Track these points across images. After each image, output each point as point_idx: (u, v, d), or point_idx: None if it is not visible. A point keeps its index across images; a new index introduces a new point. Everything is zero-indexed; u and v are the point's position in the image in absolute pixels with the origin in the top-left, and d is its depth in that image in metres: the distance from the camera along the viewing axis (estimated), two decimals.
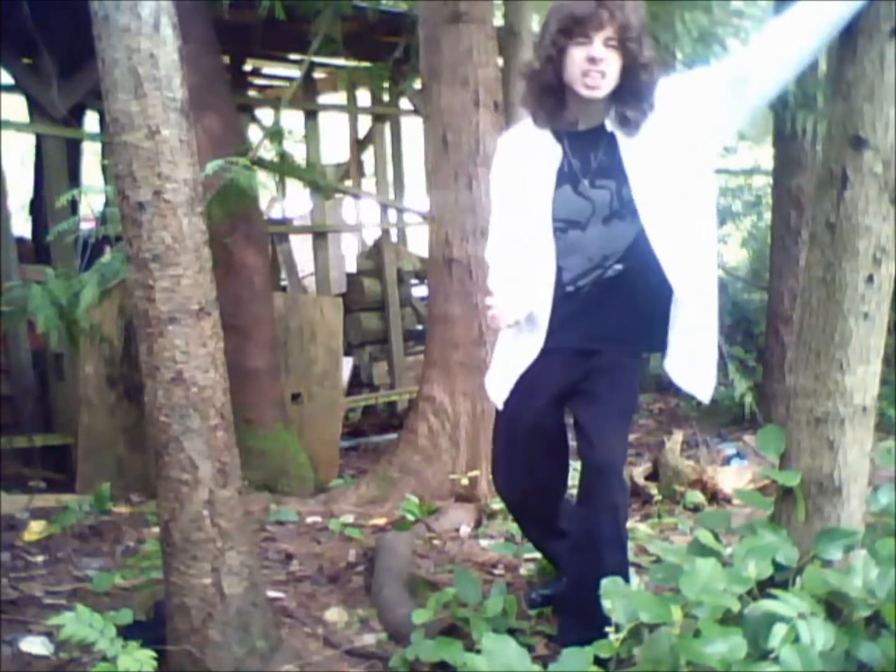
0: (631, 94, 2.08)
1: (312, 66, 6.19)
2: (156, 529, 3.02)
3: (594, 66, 2.04)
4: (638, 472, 4.27)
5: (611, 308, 2.22)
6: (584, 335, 2.24)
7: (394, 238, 7.19)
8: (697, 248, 2.17)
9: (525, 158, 2.23)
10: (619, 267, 2.20)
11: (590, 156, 2.16)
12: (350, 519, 3.64)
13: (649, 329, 2.27)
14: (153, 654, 2.05)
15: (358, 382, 6.96)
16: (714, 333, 2.25)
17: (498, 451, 2.48)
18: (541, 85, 2.13)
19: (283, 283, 7.20)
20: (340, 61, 6.40)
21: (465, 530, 3.57)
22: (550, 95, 2.13)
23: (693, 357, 2.25)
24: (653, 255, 2.13)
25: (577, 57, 2.05)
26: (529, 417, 2.31)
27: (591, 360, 2.25)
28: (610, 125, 2.14)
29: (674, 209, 2.13)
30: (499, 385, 2.37)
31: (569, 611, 2.36)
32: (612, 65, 2.05)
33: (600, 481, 2.22)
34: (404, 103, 7.09)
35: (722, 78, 2.09)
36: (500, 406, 2.37)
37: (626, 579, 2.16)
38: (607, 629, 1.92)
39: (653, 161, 2.11)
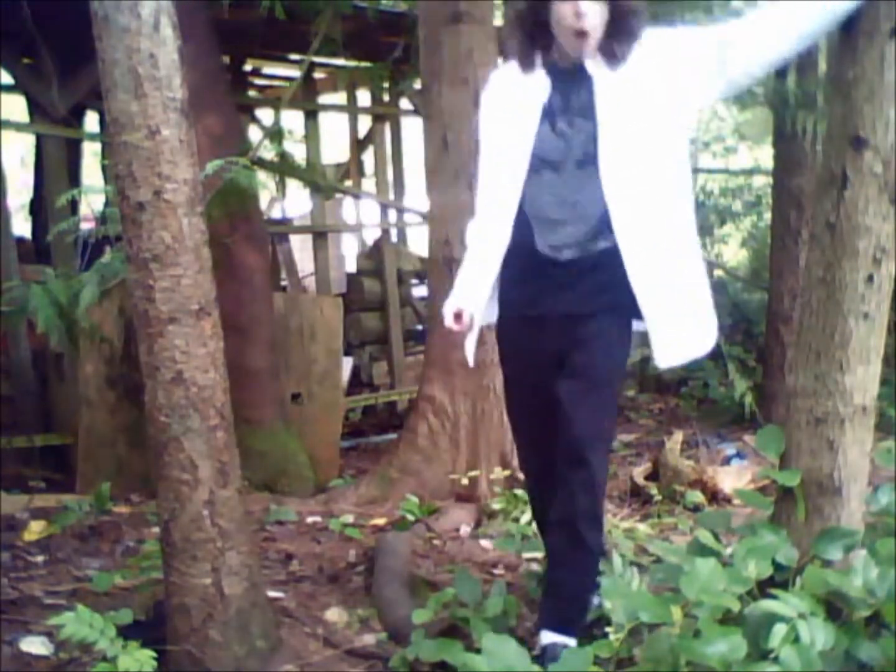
0: (619, 31, 2.05)
1: (312, 66, 6.18)
2: (156, 529, 3.02)
3: (582, 23, 1.99)
4: (638, 472, 4.27)
5: (604, 273, 2.16)
6: (574, 300, 2.19)
7: (394, 238, 7.19)
8: (660, 211, 2.11)
9: (515, 94, 2.20)
10: (611, 239, 2.13)
11: (570, 94, 2.14)
12: (350, 519, 3.63)
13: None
14: (153, 654, 2.04)
15: (358, 382, 6.96)
16: (684, 305, 2.17)
17: (513, 426, 2.49)
18: (527, 30, 2.12)
19: (283, 283, 7.20)
20: (340, 61, 6.40)
21: (465, 530, 3.57)
22: (538, 36, 2.11)
23: (652, 323, 2.16)
24: (646, 227, 2.08)
25: (562, 12, 2.01)
26: (532, 387, 2.28)
27: (583, 325, 2.18)
28: (591, 67, 2.10)
29: (640, 162, 2.07)
30: (469, 343, 2.35)
31: (548, 591, 2.31)
32: (599, 18, 2.01)
33: (577, 459, 2.17)
34: (404, 103, 7.09)
35: (709, 42, 2.05)
36: (471, 362, 2.36)
37: (600, 558, 2.20)
38: (607, 629, 1.92)
39: (625, 108, 2.07)
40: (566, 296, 2.19)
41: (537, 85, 2.16)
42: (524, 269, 2.22)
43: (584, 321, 2.18)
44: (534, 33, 2.11)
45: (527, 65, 2.16)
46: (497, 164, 2.24)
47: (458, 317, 2.29)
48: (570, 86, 2.14)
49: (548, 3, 2.02)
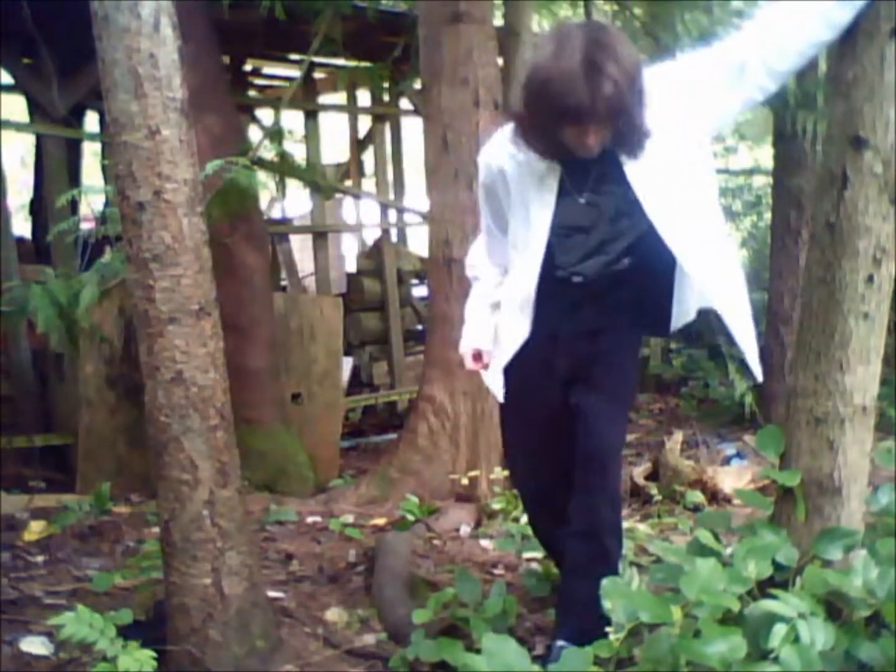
0: (629, 133, 1.97)
1: (312, 66, 6.18)
2: (156, 529, 3.02)
3: (586, 149, 1.97)
4: (638, 472, 4.27)
5: (616, 293, 2.22)
6: (588, 318, 2.24)
7: (394, 238, 7.19)
8: (710, 236, 2.13)
9: (520, 170, 2.14)
10: (626, 261, 2.18)
11: (590, 167, 2.08)
12: (350, 519, 3.64)
13: (653, 312, 2.28)
14: (153, 654, 2.04)
15: (358, 382, 6.96)
16: (747, 317, 2.18)
17: (510, 444, 2.49)
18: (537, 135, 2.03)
19: (283, 283, 7.20)
20: (340, 61, 6.40)
21: (465, 530, 3.57)
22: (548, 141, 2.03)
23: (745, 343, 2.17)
24: (660, 245, 2.08)
25: (569, 135, 1.95)
26: (539, 404, 2.32)
27: (594, 341, 2.23)
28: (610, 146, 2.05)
29: (680, 201, 2.07)
30: (494, 374, 2.37)
31: (567, 601, 2.34)
32: (606, 137, 1.96)
33: (598, 468, 2.22)
34: (404, 103, 7.09)
35: (720, 65, 2.02)
36: (500, 397, 2.37)
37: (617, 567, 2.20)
38: (607, 629, 1.92)
39: (654, 162, 2.05)
40: (581, 314, 2.23)
41: (544, 163, 2.09)
42: (538, 291, 2.21)
43: (599, 336, 2.24)
44: (544, 140, 2.02)
45: (538, 151, 2.06)
46: (514, 233, 2.22)
47: (476, 357, 2.35)
48: (588, 160, 2.05)
49: (555, 129, 1.95)
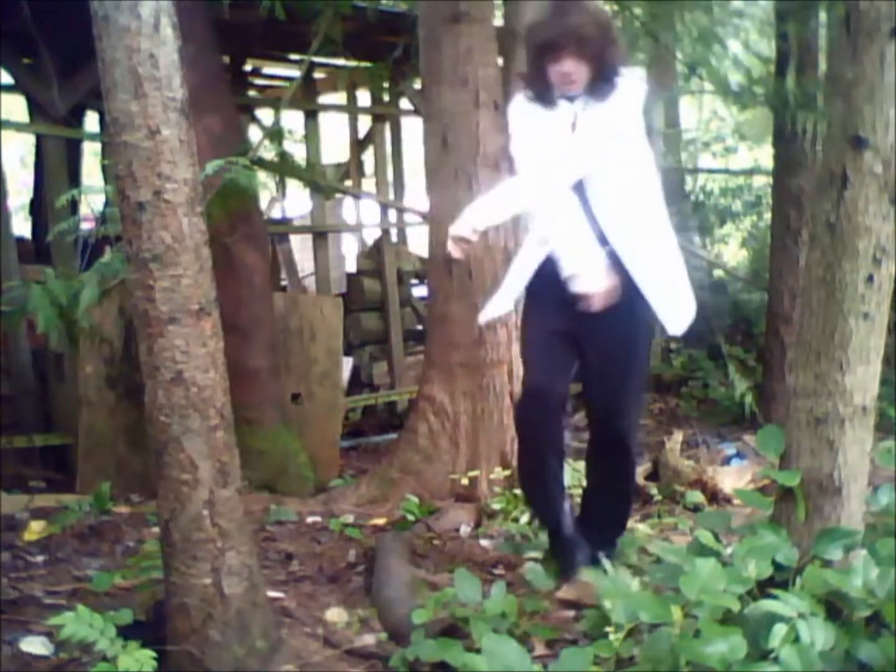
0: (601, 77, 2.54)
1: (312, 66, 6.18)
2: (156, 529, 3.02)
3: (566, 80, 2.54)
4: (638, 472, 4.26)
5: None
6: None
7: (394, 238, 7.18)
8: (638, 205, 2.58)
9: (541, 117, 2.64)
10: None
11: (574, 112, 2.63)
12: (350, 519, 3.63)
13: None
14: (153, 654, 2.05)
15: (358, 382, 6.96)
16: (674, 273, 2.65)
17: (527, 328, 2.83)
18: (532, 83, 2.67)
19: (283, 283, 7.20)
20: (340, 61, 6.40)
21: (465, 530, 3.57)
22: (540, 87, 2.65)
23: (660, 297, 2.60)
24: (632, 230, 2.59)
25: (552, 72, 2.56)
26: (545, 331, 2.69)
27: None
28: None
29: (615, 165, 2.54)
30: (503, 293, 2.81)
31: (603, 522, 2.85)
32: (581, 71, 2.53)
33: (606, 421, 2.67)
34: (404, 103, 7.08)
35: None
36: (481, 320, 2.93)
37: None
38: (607, 629, 1.93)
39: (595, 130, 2.53)
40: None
41: (561, 108, 2.64)
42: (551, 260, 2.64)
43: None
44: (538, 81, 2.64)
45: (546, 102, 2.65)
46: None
47: (459, 241, 2.62)
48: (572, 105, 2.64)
49: (543, 71, 2.58)
